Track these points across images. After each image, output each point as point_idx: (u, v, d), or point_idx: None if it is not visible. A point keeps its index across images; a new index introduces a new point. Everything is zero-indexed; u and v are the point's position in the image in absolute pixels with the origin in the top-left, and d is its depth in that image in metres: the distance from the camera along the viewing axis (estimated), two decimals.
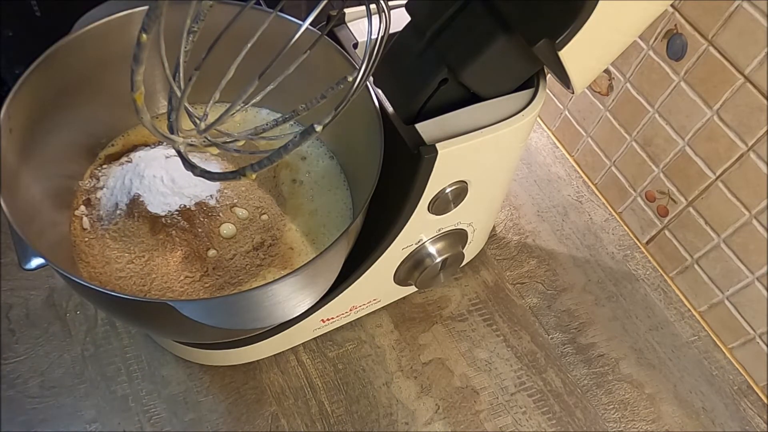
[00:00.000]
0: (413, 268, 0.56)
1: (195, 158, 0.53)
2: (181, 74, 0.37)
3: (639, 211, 0.70)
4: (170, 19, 0.32)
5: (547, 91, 0.64)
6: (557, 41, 0.38)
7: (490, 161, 0.50)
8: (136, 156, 0.51)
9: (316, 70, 0.46)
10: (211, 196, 0.49)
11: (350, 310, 0.59)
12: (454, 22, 0.45)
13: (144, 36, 0.29)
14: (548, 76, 0.51)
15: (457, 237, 0.56)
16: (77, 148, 0.50)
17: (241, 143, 0.41)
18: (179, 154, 0.38)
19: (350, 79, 0.37)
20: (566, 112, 0.75)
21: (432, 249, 0.55)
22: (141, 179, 0.49)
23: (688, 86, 0.58)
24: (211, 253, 0.47)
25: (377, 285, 0.58)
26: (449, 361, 0.61)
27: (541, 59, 0.44)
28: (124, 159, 0.51)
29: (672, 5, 0.56)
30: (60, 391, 0.55)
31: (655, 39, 0.60)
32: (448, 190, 0.49)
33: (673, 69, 0.59)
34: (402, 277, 0.57)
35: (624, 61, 0.64)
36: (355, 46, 0.50)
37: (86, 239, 0.48)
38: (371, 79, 0.46)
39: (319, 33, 0.44)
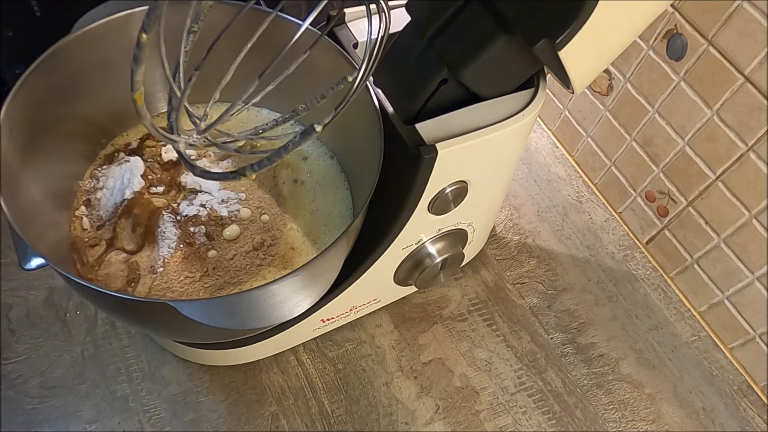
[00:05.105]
0: (413, 268, 0.56)
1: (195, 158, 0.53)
2: (181, 74, 0.37)
3: (639, 211, 0.70)
4: (170, 19, 0.32)
5: (547, 91, 0.64)
6: (557, 41, 0.38)
7: (490, 161, 0.50)
8: (134, 156, 0.51)
9: (316, 70, 0.46)
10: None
11: (350, 310, 0.59)
12: (454, 22, 0.45)
13: (144, 36, 0.29)
14: (548, 76, 0.51)
15: (457, 237, 0.56)
16: (77, 148, 0.50)
17: (241, 143, 0.41)
18: (179, 154, 0.38)
19: (350, 79, 0.37)
20: (566, 112, 0.75)
21: (432, 249, 0.55)
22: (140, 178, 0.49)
23: (688, 86, 0.58)
24: (211, 253, 0.47)
25: (377, 285, 0.58)
26: (449, 361, 0.61)
27: (541, 59, 0.43)
28: (123, 159, 0.51)
29: (672, 5, 0.56)
30: (60, 391, 0.55)
31: (655, 39, 0.60)
32: (448, 190, 0.49)
33: (673, 69, 0.59)
34: (402, 277, 0.57)
35: (624, 61, 0.64)
36: (355, 46, 0.50)
37: (86, 239, 0.48)
38: (371, 79, 0.46)
39: (319, 33, 0.44)
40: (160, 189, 0.50)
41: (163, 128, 0.35)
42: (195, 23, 0.37)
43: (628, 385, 0.62)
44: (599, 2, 0.36)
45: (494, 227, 0.70)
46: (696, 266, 0.65)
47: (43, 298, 0.59)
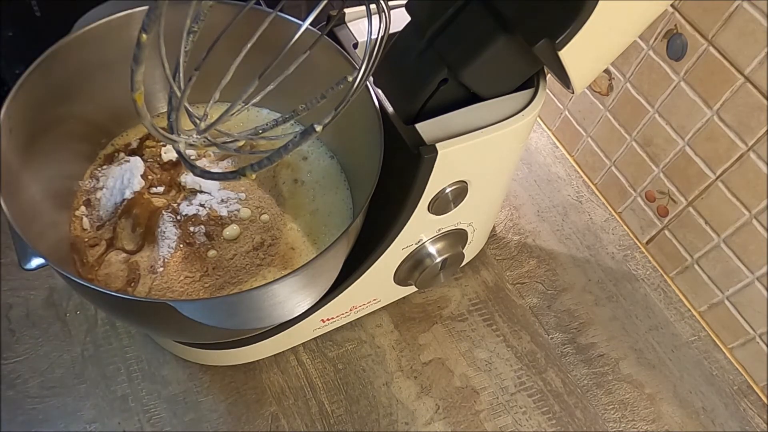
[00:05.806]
0: (413, 268, 0.56)
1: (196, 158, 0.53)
2: (181, 74, 0.37)
3: (639, 211, 0.70)
4: (170, 19, 0.32)
5: (547, 91, 0.64)
6: (557, 41, 0.38)
7: (490, 161, 0.50)
8: (134, 156, 0.51)
9: (316, 70, 0.46)
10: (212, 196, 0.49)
11: (350, 310, 0.59)
12: (454, 22, 0.45)
13: (144, 36, 0.29)
14: (548, 76, 0.51)
15: (457, 237, 0.56)
16: (77, 148, 0.50)
17: (241, 143, 0.41)
18: (179, 154, 0.38)
19: (350, 79, 0.37)
20: (566, 112, 0.75)
21: (432, 249, 0.55)
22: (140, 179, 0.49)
23: (688, 86, 0.58)
24: (211, 253, 0.47)
25: (377, 285, 0.58)
26: (449, 361, 0.61)
27: (541, 59, 0.44)
28: (123, 159, 0.51)
29: (672, 5, 0.56)
30: (60, 391, 0.55)
31: (655, 39, 0.60)
32: (448, 190, 0.49)
33: (673, 69, 0.59)
34: (402, 277, 0.57)
35: (624, 61, 0.64)
36: (355, 46, 0.50)
37: (86, 239, 0.48)
38: (371, 79, 0.46)
39: (319, 33, 0.44)
40: (160, 189, 0.50)
41: (163, 128, 0.35)
42: (195, 23, 0.37)
43: (628, 385, 0.62)
44: (599, 2, 0.36)
45: (494, 227, 0.70)
46: (696, 266, 0.65)
47: (43, 298, 0.59)
